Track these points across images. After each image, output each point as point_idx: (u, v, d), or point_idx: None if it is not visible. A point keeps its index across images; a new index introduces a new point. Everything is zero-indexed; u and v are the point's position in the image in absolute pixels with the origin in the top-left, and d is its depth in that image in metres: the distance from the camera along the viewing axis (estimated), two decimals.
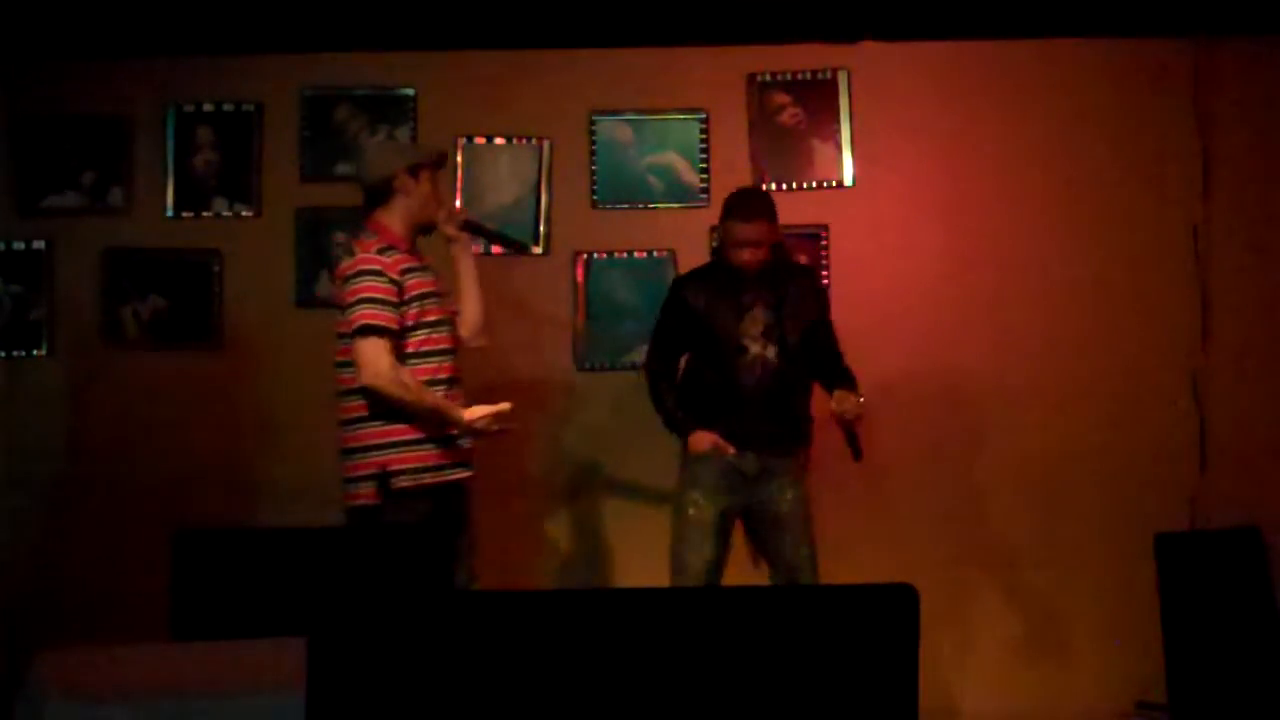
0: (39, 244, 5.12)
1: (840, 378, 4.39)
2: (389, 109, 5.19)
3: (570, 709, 1.76)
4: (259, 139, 5.18)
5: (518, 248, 4.54)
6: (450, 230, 4.19)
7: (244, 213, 5.17)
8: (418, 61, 5.20)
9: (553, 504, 5.11)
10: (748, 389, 4.36)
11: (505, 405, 4.03)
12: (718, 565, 4.37)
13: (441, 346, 4.05)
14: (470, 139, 5.06)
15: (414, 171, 4.07)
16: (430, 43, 5.14)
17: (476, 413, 3.99)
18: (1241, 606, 3.37)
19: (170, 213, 5.16)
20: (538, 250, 5.09)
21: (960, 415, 5.14)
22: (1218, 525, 4.79)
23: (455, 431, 4.00)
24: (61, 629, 4.79)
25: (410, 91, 5.20)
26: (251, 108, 5.19)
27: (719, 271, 4.46)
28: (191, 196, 5.17)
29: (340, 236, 5.13)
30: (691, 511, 4.36)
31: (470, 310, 4.23)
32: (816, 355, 4.45)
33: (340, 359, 4.01)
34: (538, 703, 1.76)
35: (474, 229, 4.28)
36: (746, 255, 4.34)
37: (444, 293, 4.15)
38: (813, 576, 4.34)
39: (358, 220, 4.19)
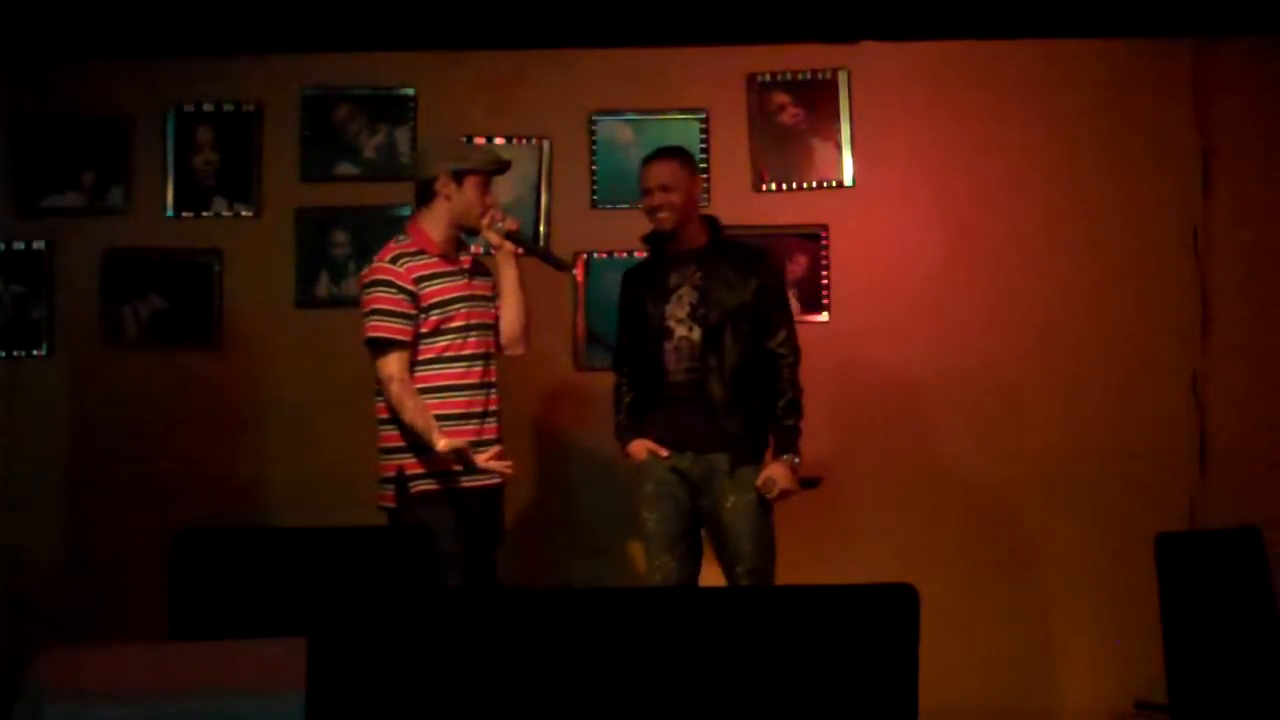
0: (39, 244, 5.12)
1: (778, 412, 4.21)
2: (389, 109, 5.20)
3: (570, 709, 1.76)
4: (259, 139, 5.18)
5: (558, 265, 4.46)
6: (493, 238, 4.16)
7: (244, 213, 5.17)
8: (418, 61, 5.20)
9: (552, 505, 5.11)
10: (675, 375, 4.21)
11: (489, 457, 3.95)
12: (683, 578, 4.21)
13: (469, 352, 4.04)
14: (470, 139, 5.06)
15: (458, 176, 4.06)
16: (430, 43, 5.14)
17: (450, 445, 3.86)
18: (1241, 606, 3.36)
19: (170, 213, 5.16)
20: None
21: (960, 415, 5.14)
22: (1218, 525, 4.79)
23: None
24: (61, 629, 4.79)
25: (410, 91, 5.20)
26: (251, 108, 5.19)
27: (655, 256, 4.35)
28: (191, 196, 5.17)
29: (341, 236, 5.15)
30: (645, 526, 4.28)
31: (508, 318, 4.20)
32: (755, 351, 4.21)
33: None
34: (538, 702, 1.76)
35: (517, 240, 4.23)
36: (657, 200, 4.21)
37: (489, 295, 4.17)
38: None
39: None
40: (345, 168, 5.19)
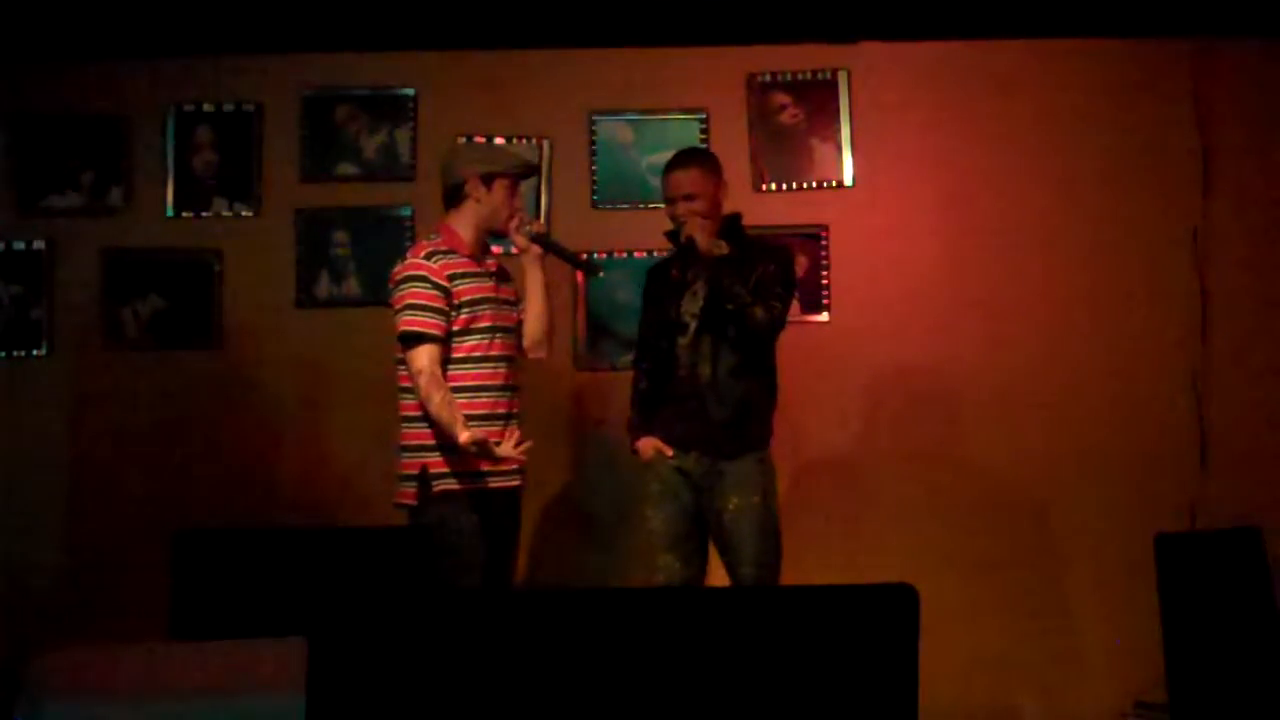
0: (39, 244, 5.12)
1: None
2: (389, 109, 5.19)
3: (570, 708, 1.76)
4: (259, 139, 5.18)
5: (587, 269, 4.45)
6: (520, 241, 4.18)
7: (244, 213, 5.17)
8: (418, 61, 5.20)
9: (553, 505, 5.11)
10: (684, 371, 4.19)
11: (509, 448, 3.91)
12: (688, 578, 4.20)
13: (495, 353, 4.06)
14: (470, 139, 5.06)
15: (487, 179, 4.08)
16: (430, 43, 5.14)
17: (473, 436, 3.84)
18: (1241, 606, 3.36)
19: (170, 213, 5.16)
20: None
21: (960, 414, 5.14)
22: (1218, 525, 4.79)
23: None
24: (61, 629, 4.79)
25: (410, 91, 5.20)
26: (251, 108, 5.19)
27: (678, 253, 4.28)
28: (191, 196, 5.17)
29: (341, 236, 5.15)
30: (649, 525, 4.27)
31: (532, 322, 4.22)
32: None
33: (399, 355, 4.05)
34: (538, 702, 1.76)
35: (544, 243, 4.22)
36: (681, 209, 4.19)
37: (512, 300, 4.19)
38: None
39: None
40: (345, 168, 5.19)
